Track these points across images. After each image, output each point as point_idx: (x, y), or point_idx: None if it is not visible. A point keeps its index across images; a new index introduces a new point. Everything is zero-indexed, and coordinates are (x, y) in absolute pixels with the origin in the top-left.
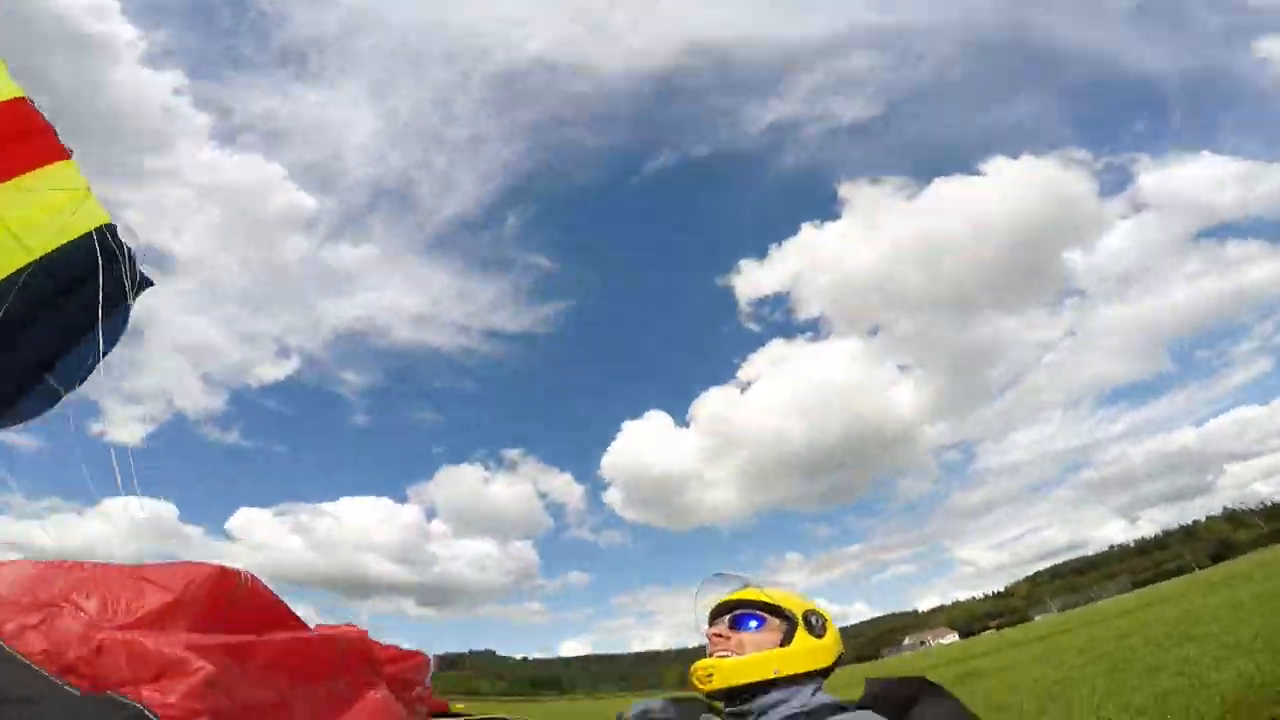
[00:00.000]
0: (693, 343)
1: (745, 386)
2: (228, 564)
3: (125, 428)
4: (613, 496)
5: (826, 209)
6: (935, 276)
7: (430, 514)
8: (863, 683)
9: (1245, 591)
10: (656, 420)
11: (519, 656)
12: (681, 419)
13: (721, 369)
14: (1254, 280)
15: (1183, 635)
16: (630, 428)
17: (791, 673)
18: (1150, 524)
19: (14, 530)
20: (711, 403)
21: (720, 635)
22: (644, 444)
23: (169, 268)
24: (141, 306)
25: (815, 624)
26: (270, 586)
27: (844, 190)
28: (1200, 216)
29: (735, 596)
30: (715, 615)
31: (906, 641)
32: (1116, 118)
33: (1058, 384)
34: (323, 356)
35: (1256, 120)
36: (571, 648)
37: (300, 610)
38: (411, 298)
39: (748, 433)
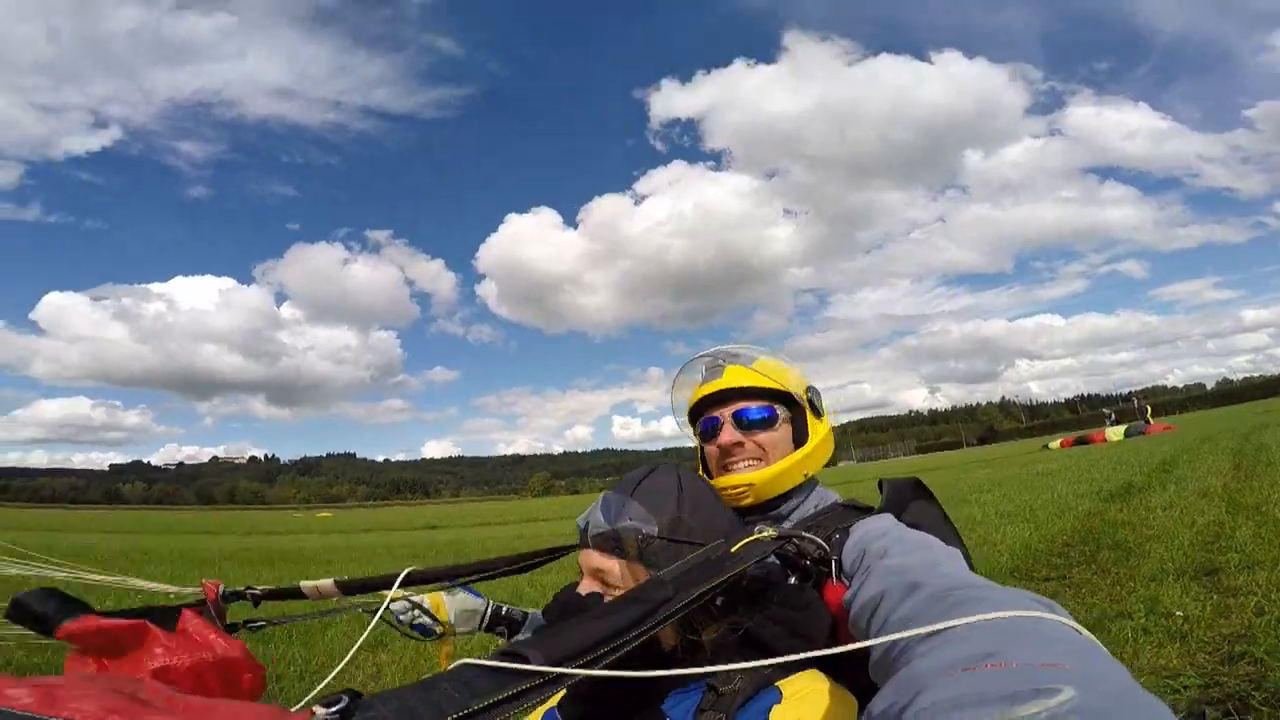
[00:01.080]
0: (595, 149)
1: (640, 199)
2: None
3: None
4: (487, 290)
5: (766, 52)
6: (843, 140)
7: (280, 297)
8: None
9: (1004, 473)
10: (544, 217)
11: (380, 459)
12: (571, 220)
13: (618, 178)
14: (1108, 219)
15: (961, 499)
16: (515, 221)
17: (816, 472)
18: (945, 398)
19: None
20: (603, 209)
21: (737, 444)
22: (527, 239)
23: None
24: None
25: (817, 402)
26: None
27: (789, 38)
28: (1097, 155)
29: (735, 383)
30: (705, 408)
31: None
32: (1087, 52)
33: (914, 258)
34: (154, 128)
35: (1212, 94)
36: (435, 449)
37: (133, 417)
38: (274, 70)
39: (633, 244)
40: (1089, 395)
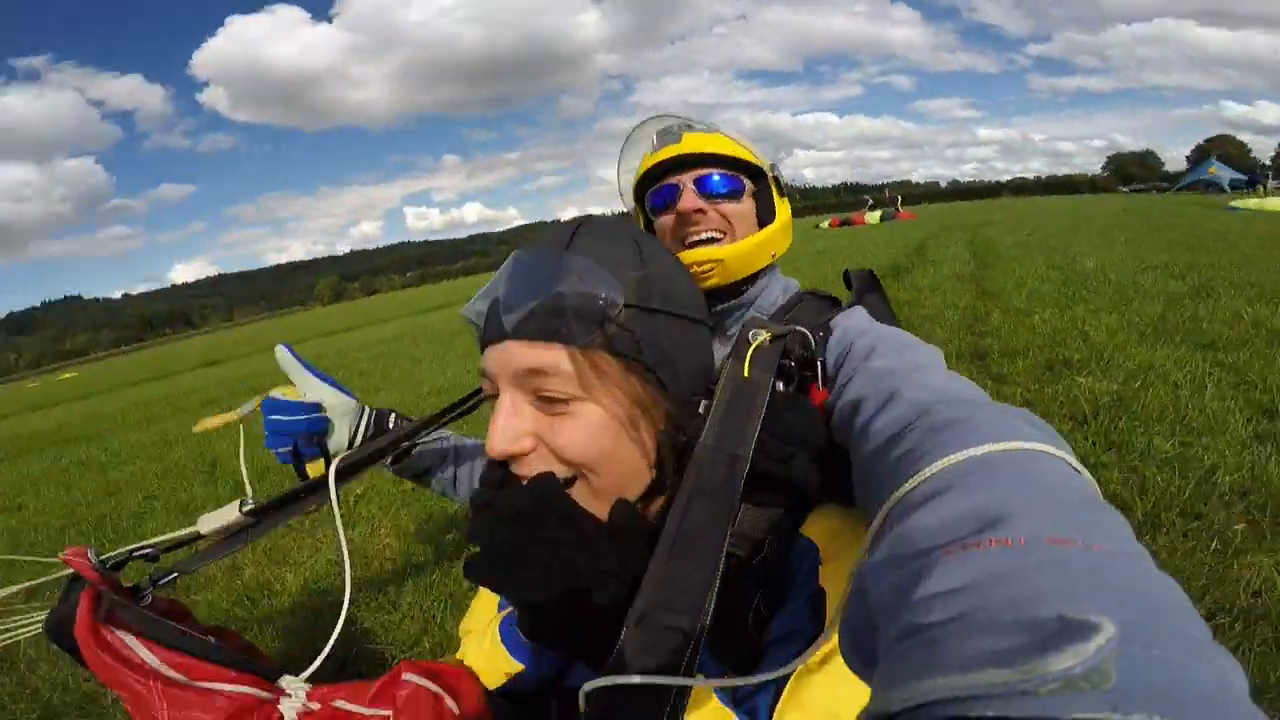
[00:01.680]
0: None
1: None
2: None
3: None
4: (214, 96)
5: None
6: None
7: None
8: None
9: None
10: (281, 14)
11: (117, 295)
12: (323, 13)
13: None
14: (891, 36)
15: None
16: (239, 22)
17: (780, 255)
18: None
19: None
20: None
21: (699, 210)
22: (263, 40)
23: None
24: None
25: (781, 180)
26: None
27: None
28: None
29: (697, 149)
30: (656, 177)
31: None
32: None
33: (717, 51)
34: None
35: None
36: (186, 272)
37: None
38: None
39: (412, 33)
40: (852, 184)
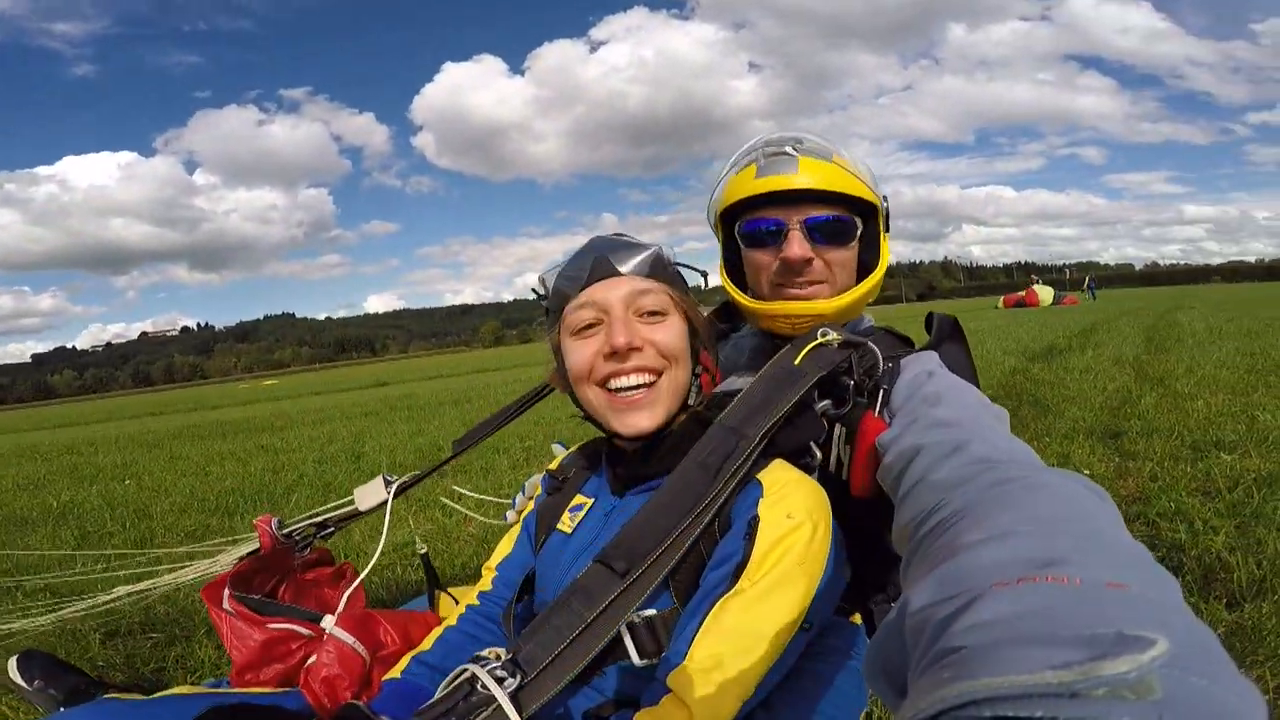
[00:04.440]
0: None
1: (596, 45)
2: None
3: None
4: (424, 141)
5: None
6: None
7: (191, 165)
8: None
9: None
10: (487, 65)
11: (321, 317)
12: (517, 67)
13: (571, 23)
14: (1079, 106)
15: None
16: (452, 70)
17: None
18: (891, 255)
19: None
20: (554, 54)
21: (808, 261)
22: (468, 88)
23: None
24: None
25: (888, 213)
26: None
27: None
28: (1084, 44)
29: (813, 183)
30: (755, 206)
31: None
32: None
33: (877, 121)
34: (15, 13)
35: (1227, 4)
36: (378, 303)
37: (46, 300)
38: None
39: (587, 91)
40: (1026, 263)
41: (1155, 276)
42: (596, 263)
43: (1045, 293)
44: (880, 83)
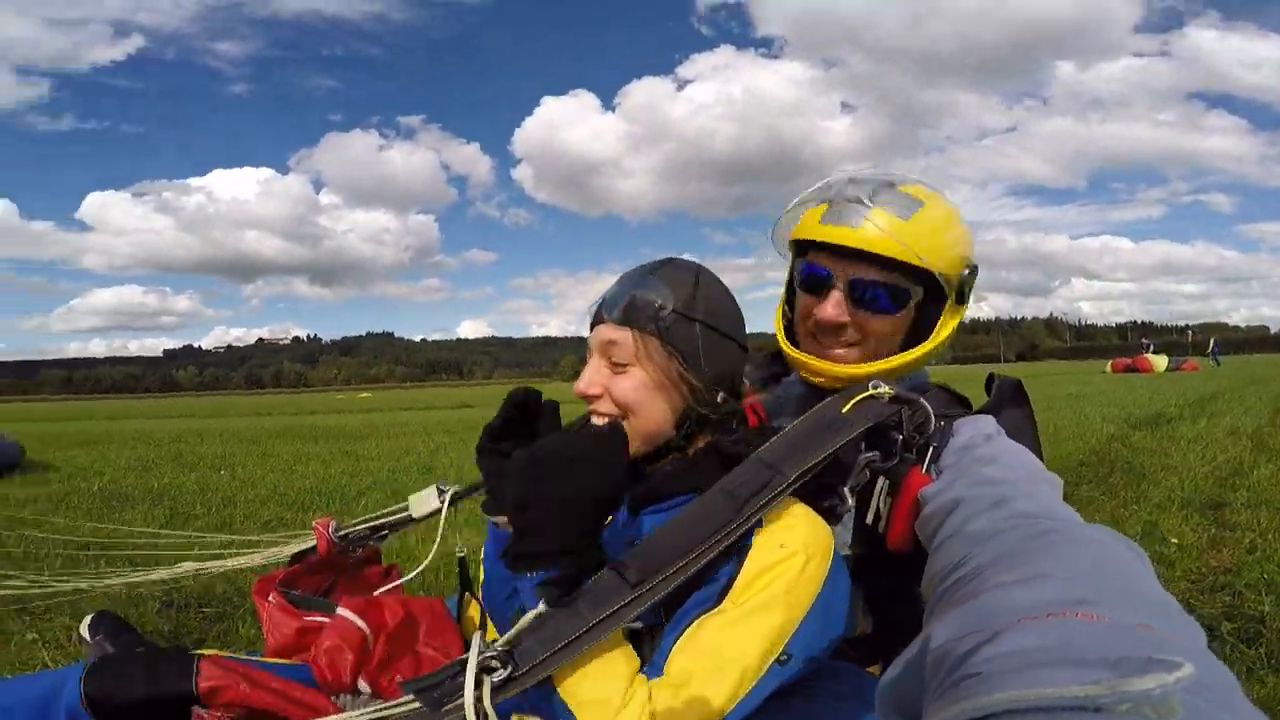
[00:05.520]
0: (636, 32)
1: (683, 84)
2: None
3: None
4: (523, 173)
5: None
6: (917, 29)
7: (318, 185)
8: None
9: (1035, 391)
10: (582, 100)
11: (418, 338)
12: (609, 103)
13: (660, 62)
14: (1205, 148)
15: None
16: (550, 104)
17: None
18: (989, 308)
19: None
20: (644, 92)
21: (840, 325)
22: (564, 122)
23: None
24: None
25: (967, 288)
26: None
27: None
28: (1208, 81)
29: (867, 246)
30: (815, 247)
31: None
32: None
33: (980, 163)
34: (187, 30)
35: None
36: (470, 329)
37: (184, 302)
38: None
39: (674, 128)
40: (1143, 323)
41: None
42: (599, 305)
43: (1159, 361)
44: (982, 123)
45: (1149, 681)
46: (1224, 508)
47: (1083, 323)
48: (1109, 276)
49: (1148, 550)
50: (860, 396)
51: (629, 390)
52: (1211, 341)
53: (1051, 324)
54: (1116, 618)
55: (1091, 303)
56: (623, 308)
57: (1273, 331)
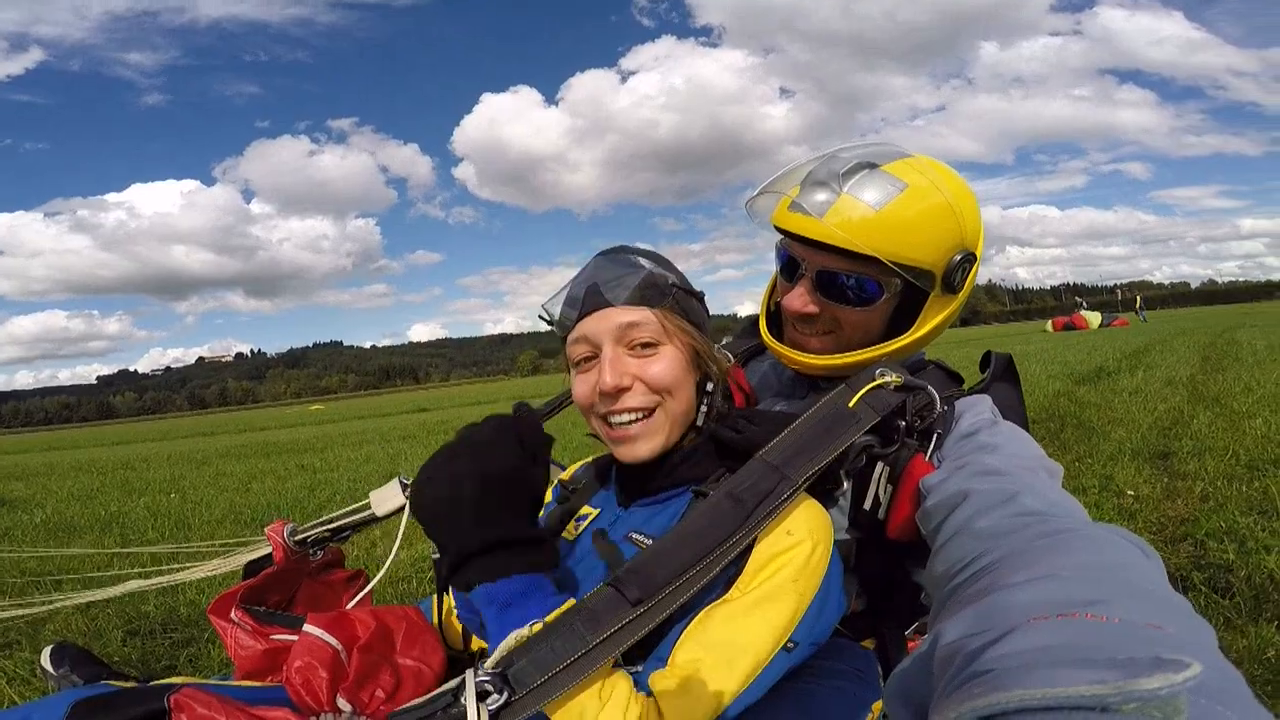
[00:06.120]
0: (574, 25)
1: (626, 75)
2: None
3: None
4: (465, 172)
5: None
6: (848, 15)
7: (248, 194)
8: None
9: (979, 352)
10: (523, 95)
11: (367, 345)
12: (551, 98)
13: (603, 54)
14: (1119, 120)
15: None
16: (490, 101)
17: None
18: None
19: None
20: (586, 85)
21: (808, 315)
22: (505, 119)
23: None
24: None
25: (958, 276)
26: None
27: None
28: (1119, 58)
29: (834, 238)
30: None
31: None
32: None
33: (914, 144)
34: (93, 42)
35: (1262, 12)
36: (422, 332)
37: (113, 324)
38: None
39: (618, 120)
40: (1075, 284)
41: (1213, 294)
42: (589, 293)
43: (1093, 317)
44: (914, 104)
45: (1156, 681)
46: (1171, 457)
47: (1020, 287)
48: (1040, 243)
49: (1107, 505)
50: (868, 387)
51: (665, 371)
52: (1138, 299)
53: (991, 290)
54: (1126, 618)
55: (1027, 268)
56: (638, 288)
57: (1193, 287)
